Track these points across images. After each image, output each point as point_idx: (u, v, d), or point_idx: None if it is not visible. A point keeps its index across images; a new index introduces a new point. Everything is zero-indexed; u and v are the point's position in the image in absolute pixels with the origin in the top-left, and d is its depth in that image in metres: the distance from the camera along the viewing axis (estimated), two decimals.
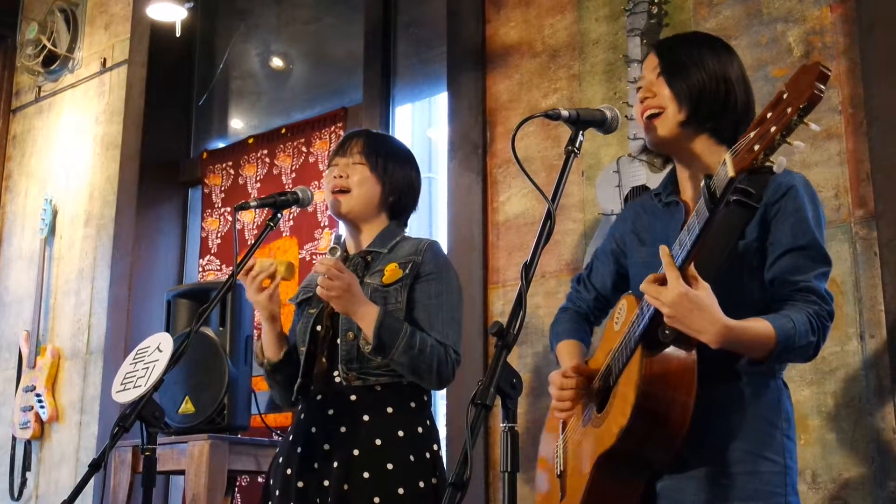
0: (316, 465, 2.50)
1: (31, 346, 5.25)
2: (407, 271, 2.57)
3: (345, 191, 2.65)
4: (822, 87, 1.57)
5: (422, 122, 5.16)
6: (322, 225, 4.42)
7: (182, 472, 3.46)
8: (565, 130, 2.11)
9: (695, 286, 1.81)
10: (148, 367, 2.40)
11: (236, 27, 5.27)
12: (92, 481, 2.33)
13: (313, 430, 2.55)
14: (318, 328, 2.61)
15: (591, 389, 2.11)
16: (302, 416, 2.61)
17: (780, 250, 1.95)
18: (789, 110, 1.58)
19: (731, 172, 1.67)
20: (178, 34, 4.77)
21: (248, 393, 3.57)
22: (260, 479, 4.24)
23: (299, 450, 2.54)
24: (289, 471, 2.54)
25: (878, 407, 2.78)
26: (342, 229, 2.75)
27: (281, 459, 2.60)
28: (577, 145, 2.05)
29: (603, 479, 1.98)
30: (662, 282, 1.83)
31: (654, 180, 3.25)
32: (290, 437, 2.60)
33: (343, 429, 2.50)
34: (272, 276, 2.61)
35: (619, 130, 2.29)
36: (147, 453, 2.37)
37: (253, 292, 2.59)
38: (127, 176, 5.10)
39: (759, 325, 1.86)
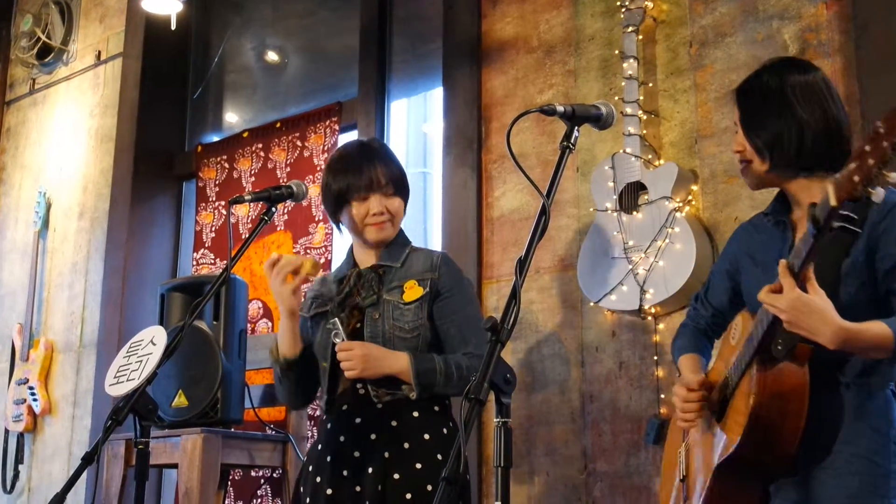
0: (345, 473, 2.59)
1: (24, 339, 5.24)
2: (427, 289, 2.67)
3: (388, 223, 2.72)
4: None
5: (417, 117, 5.16)
6: (316, 219, 4.41)
7: (175, 466, 3.46)
8: (560, 126, 2.12)
9: (810, 291, 1.91)
10: (141, 361, 2.39)
11: (231, 20, 5.26)
12: (85, 474, 2.33)
13: (342, 438, 2.63)
14: (330, 330, 2.65)
15: (710, 400, 2.23)
16: (329, 425, 2.68)
17: (890, 263, 2.04)
18: (885, 144, 1.68)
19: (833, 202, 1.76)
20: (173, 27, 4.76)
21: (241, 387, 3.56)
22: (253, 473, 4.25)
23: (329, 458, 2.62)
24: (318, 479, 2.62)
25: None
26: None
27: (311, 468, 2.67)
28: (572, 141, 2.06)
29: (721, 486, 2.10)
30: (779, 291, 1.94)
31: (649, 176, 3.25)
32: (319, 447, 2.68)
33: (373, 436, 2.60)
34: (296, 272, 2.63)
35: (615, 126, 2.30)
36: (140, 447, 2.38)
37: (277, 285, 2.63)
38: (121, 169, 5.09)
39: (875, 327, 1.94)
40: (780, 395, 1.99)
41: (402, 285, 2.67)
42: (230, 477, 4.16)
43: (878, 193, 1.72)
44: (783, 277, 1.92)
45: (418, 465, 2.56)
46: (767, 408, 1.99)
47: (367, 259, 2.77)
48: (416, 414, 2.62)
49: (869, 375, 2.07)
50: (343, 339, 2.56)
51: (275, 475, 3.96)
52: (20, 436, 5.19)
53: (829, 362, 2.05)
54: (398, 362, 2.57)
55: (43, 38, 5.67)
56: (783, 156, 2.14)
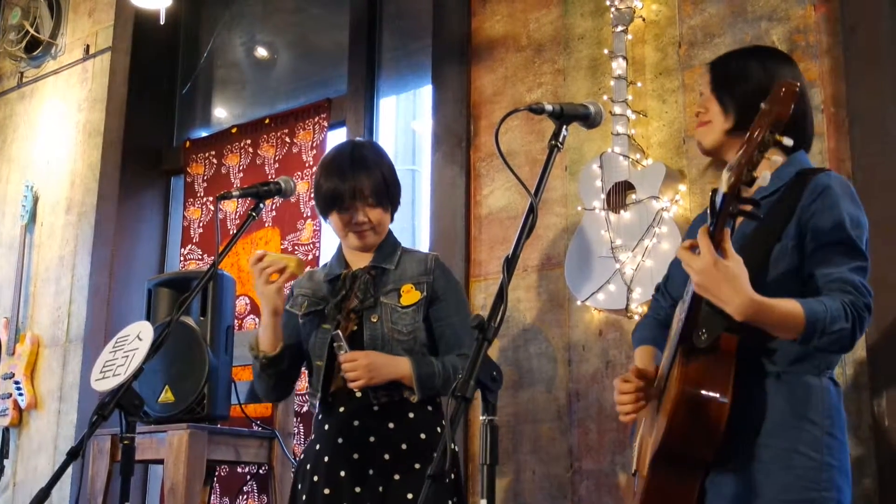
0: (343, 474, 2.61)
1: (10, 334, 5.22)
2: (424, 293, 2.71)
3: (370, 231, 2.74)
4: (791, 106, 1.72)
5: (406, 115, 5.16)
6: (304, 216, 4.41)
7: (161, 462, 3.45)
8: (549, 125, 2.12)
9: (727, 257, 1.87)
10: (128, 356, 2.39)
11: (221, 16, 5.25)
12: (70, 469, 2.32)
13: (340, 440, 2.65)
14: (334, 346, 2.66)
15: (652, 391, 2.20)
16: (326, 426, 2.70)
17: (812, 246, 2.01)
18: (765, 126, 1.72)
19: (724, 188, 1.80)
20: (162, 22, 4.74)
21: (228, 383, 3.56)
22: (239, 470, 4.24)
23: (326, 458, 2.65)
24: (315, 477, 2.64)
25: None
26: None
27: (308, 466, 2.69)
28: (560, 140, 2.07)
29: (658, 478, 2.06)
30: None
31: (637, 176, 3.26)
32: (317, 446, 2.69)
33: (372, 438, 2.63)
34: (281, 271, 2.63)
35: (603, 126, 2.31)
36: (126, 442, 2.37)
37: (261, 284, 2.64)
38: (109, 164, 5.08)
39: (788, 304, 1.90)
40: (702, 382, 1.95)
41: (399, 288, 2.71)
42: (216, 473, 4.15)
43: (765, 177, 1.75)
44: (701, 239, 1.88)
45: (417, 465, 2.61)
46: (689, 399, 1.95)
47: (359, 260, 2.79)
48: (411, 415, 2.66)
49: (801, 363, 2.02)
50: (346, 351, 2.58)
51: (261, 471, 3.96)
52: (5, 430, 5.17)
53: (759, 351, 2.01)
54: (400, 367, 2.61)
55: (31, 31, 5.65)
56: (750, 114, 2.07)
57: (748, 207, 1.81)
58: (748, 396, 1.99)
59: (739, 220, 1.98)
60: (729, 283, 1.86)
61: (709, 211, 1.86)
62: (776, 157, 1.73)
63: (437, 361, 2.66)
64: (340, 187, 2.69)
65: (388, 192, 2.76)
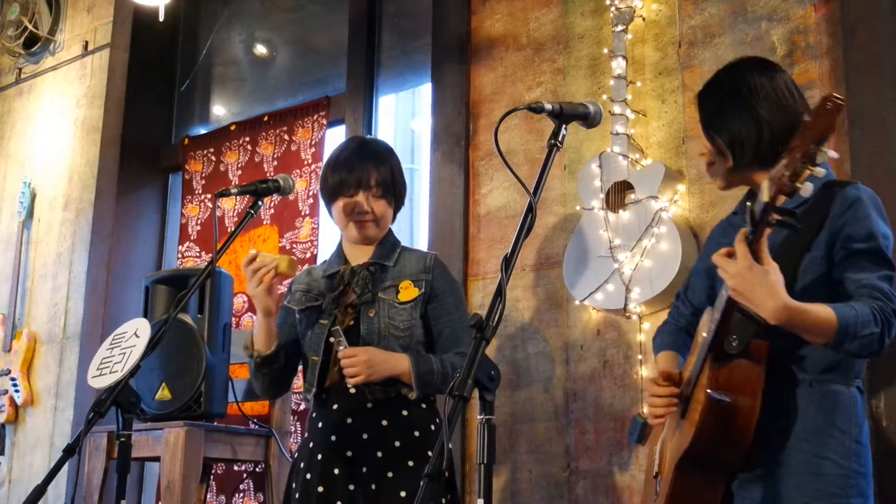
0: (337, 471, 2.61)
1: (6, 330, 5.22)
2: (422, 290, 2.71)
3: (372, 222, 2.75)
4: (835, 120, 1.75)
5: (405, 113, 5.16)
6: (303, 214, 4.40)
7: (157, 459, 3.44)
8: (548, 124, 2.12)
9: (764, 263, 1.90)
10: (125, 353, 2.38)
11: (220, 13, 5.24)
12: (66, 466, 2.31)
13: (333, 438, 2.65)
14: (332, 340, 2.67)
15: (681, 396, 2.23)
16: (320, 424, 2.71)
17: (843, 254, 2.05)
18: (810, 138, 1.73)
19: (764, 198, 1.81)
20: (161, 18, 4.73)
21: (225, 381, 3.55)
22: (236, 468, 4.24)
23: (320, 456, 2.65)
24: (309, 475, 2.64)
25: None
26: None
27: (302, 464, 2.69)
28: (559, 139, 2.07)
29: (683, 481, 2.10)
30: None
31: (636, 176, 3.26)
32: (311, 444, 2.70)
33: (365, 436, 2.63)
34: (272, 271, 2.63)
35: (602, 125, 2.30)
36: (122, 439, 2.36)
37: (253, 285, 2.65)
38: (107, 160, 5.07)
39: (820, 309, 1.93)
40: (732, 388, 1.99)
41: (398, 285, 2.71)
42: (213, 471, 4.15)
43: (807, 188, 1.76)
44: (738, 245, 1.91)
45: (410, 463, 2.61)
46: (718, 404, 1.99)
47: (358, 256, 2.79)
48: (405, 412, 2.66)
49: (831, 371, 2.06)
50: (345, 346, 2.58)
51: (257, 469, 3.95)
52: (1, 427, 5.16)
53: (790, 358, 2.06)
54: (400, 364, 2.61)
55: (30, 27, 5.64)
56: (743, 154, 2.17)
57: (785, 217, 1.84)
58: (778, 403, 2.03)
59: (767, 230, 2.00)
60: (764, 288, 1.89)
61: (747, 218, 1.88)
62: (819, 169, 1.75)
63: (435, 359, 2.66)
64: (348, 177, 2.73)
65: (393, 187, 2.78)
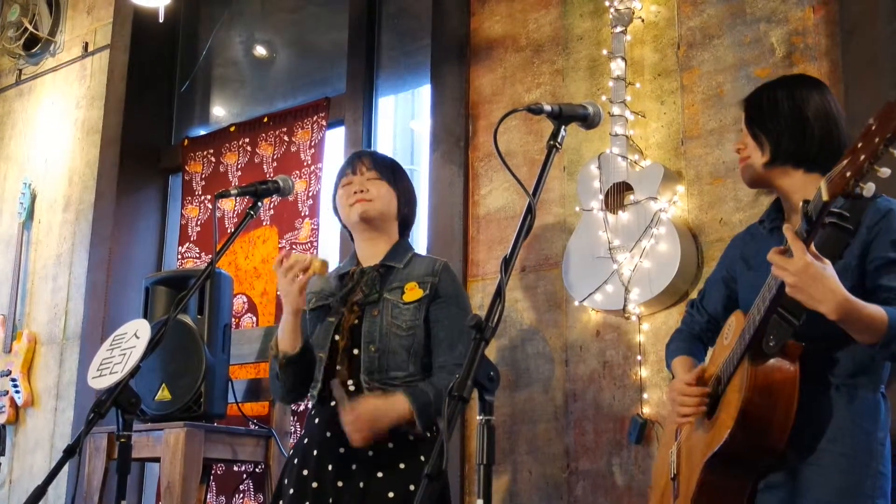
0: (330, 467, 2.62)
1: (7, 331, 5.22)
2: (427, 291, 2.72)
3: (366, 200, 2.77)
4: None
5: (404, 114, 5.16)
6: (302, 215, 4.40)
7: (157, 460, 3.45)
8: (548, 125, 2.13)
9: (819, 261, 1.92)
10: (125, 354, 2.39)
11: (220, 14, 5.24)
12: (66, 467, 2.32)
13: (328, 434, 2.65)
14: (337, 338, 2.69)
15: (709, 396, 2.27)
16: (316, 420, 2.72)
17: (877, 263, 2.09)
18: (877, 140, 1.72)
19: (825, 197, 1.81)
20: (160, 20, 4.74)
21: (225, 381, 3.56)
22: (235, 468, 4.24)
23: (315, 452, 2.66)
24: (304, 471, 2.65)
25: None
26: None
27: (297, 460, 2.70)
28: (559, 140, 2.07)
29: (712, 480, 2.13)
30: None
31: (635, 177, 3.26)
32: (306, 440, 2.72)
33: None
34: (305, 270, 2.65)
35: (601, 126, 2.31)
36: (122, 440, 2.37)
37: (287, 283, 2.67)
38: (107, 161, 5.08)
39: (874, 308, 1.96)
40: (770, 389, 2.03)
41: (403, 286, 2.73)
42: (212, 471, 4.15)
43: (870, 188, 1.76)
44: (793, 242, 1.91)
45: (401, 465, 2.62)
46: (757, 402, 2.03)
47: (370, 258, 2.81)
48: None
49: (858, 377, 2.11)
50: (346, 401, 2.57)
51: (257, 470, 3.96)
52: (2, 427, 5.16)
53: (820, 362, 2.10)
54: (398, 407, 2.58)
55: (30, 28, 5.64)
56: (784, 149, 2.21)
57: (838, 220, 1.86)
58: (808, 404, 2.06)
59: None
60: (824, 283, 1.90)
61: (803, 216, 1.89)
62: (885, 169, 1.76)
63: (427, 387, 2.63)
64: (344, 168, 2.84)
65: (392, 171, 2.83)
